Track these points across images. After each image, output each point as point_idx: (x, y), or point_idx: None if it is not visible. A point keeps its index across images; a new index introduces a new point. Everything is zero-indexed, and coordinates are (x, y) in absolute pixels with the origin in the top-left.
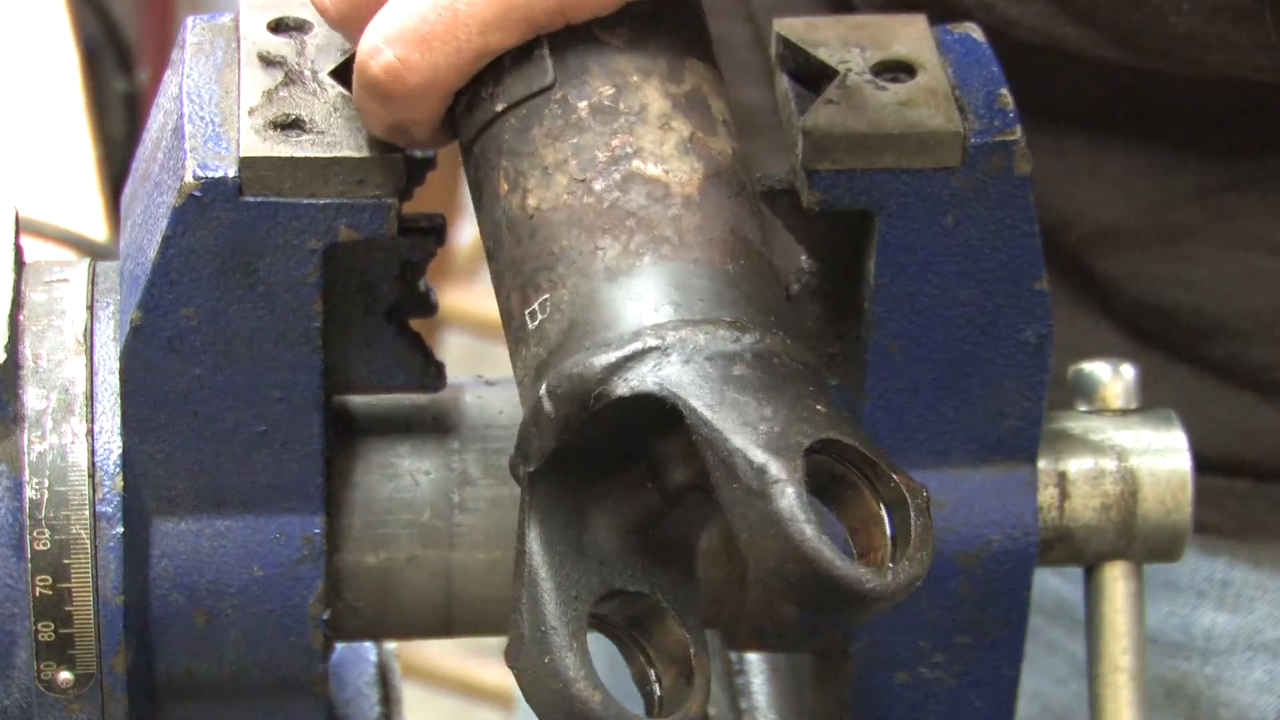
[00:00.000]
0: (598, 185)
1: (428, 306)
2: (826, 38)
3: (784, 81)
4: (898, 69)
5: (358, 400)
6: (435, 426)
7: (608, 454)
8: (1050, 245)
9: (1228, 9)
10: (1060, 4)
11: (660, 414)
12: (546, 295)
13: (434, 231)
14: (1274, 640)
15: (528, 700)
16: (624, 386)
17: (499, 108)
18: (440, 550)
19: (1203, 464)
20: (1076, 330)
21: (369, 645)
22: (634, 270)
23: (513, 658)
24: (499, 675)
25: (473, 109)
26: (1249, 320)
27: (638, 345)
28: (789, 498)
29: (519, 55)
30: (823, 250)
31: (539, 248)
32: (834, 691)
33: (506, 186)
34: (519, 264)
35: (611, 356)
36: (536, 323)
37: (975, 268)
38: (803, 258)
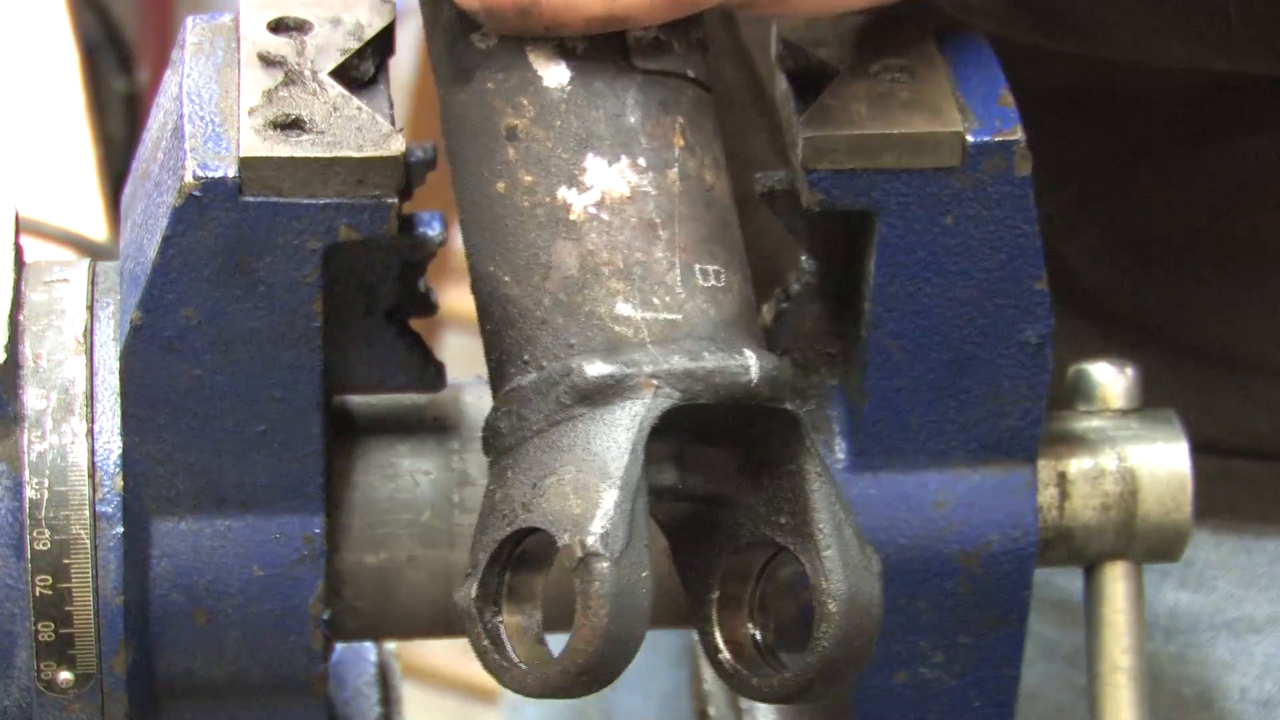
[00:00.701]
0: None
1: (428, 306)
2: (827, 38)
3: (784, 82)
4: (898, 69)
5: (358, 400)
6: (435, 426)
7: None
8: None
9: (1190, 6)
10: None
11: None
12: (720, 267)
13: (434, 232)
14: (1236, 619)
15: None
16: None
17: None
18: (440, 550)
19: None
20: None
21: (369, 645)
22: None
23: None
24: None
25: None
26: (1213, 300)
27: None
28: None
29: None
30: (823, 250)
31: (714, 218)
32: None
33: (688, 151)
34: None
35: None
36: (709, 283)
37: (975, 267)
38: (803, 258)
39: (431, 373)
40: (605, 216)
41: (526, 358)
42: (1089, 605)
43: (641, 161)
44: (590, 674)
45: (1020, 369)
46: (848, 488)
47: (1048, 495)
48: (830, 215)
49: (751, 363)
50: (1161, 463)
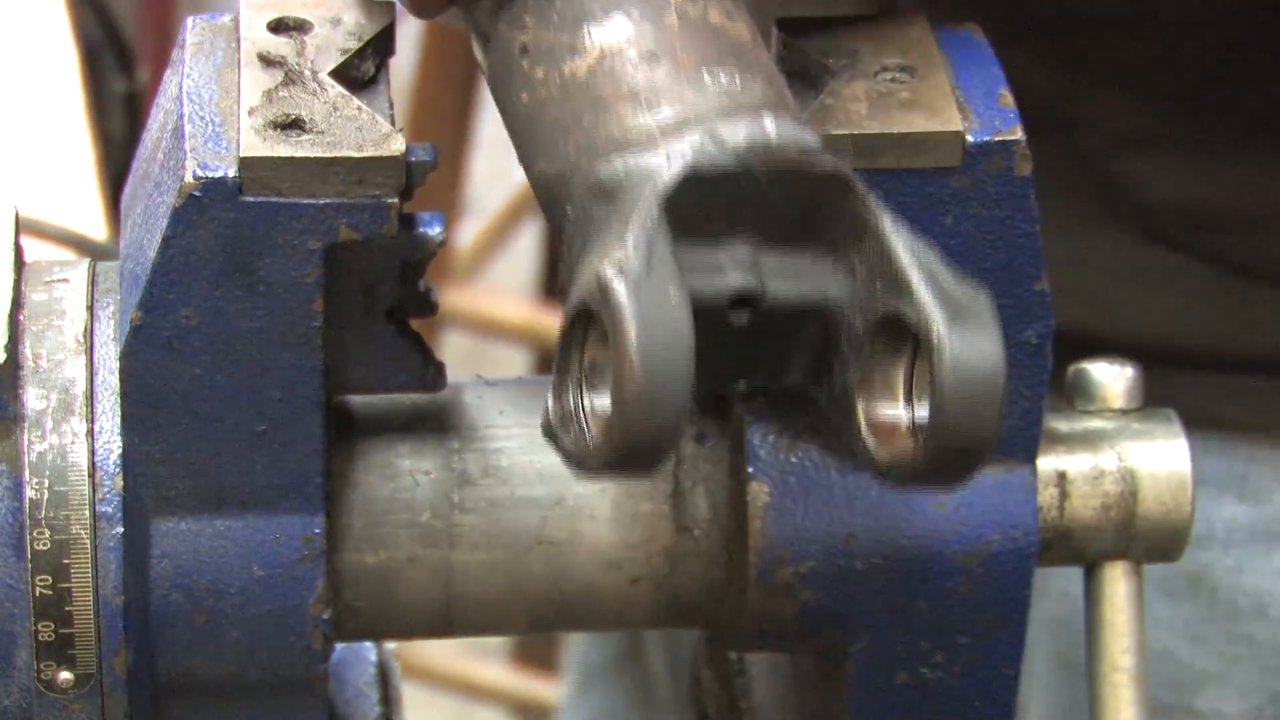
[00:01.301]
0: None
1: (428, 306)
2: (826, 37)
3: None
4: (898, 69)
5: (358, 400)
6: (435, 426)
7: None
8: (1066, 151)
9: None
10: None
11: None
12: (734, 72)
13: (434, 232)
14: None
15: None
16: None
17: None
18: (440, 550)
19: (1222, 361)
20: (1090, 238)
21: (369, 645)
22: None
23: None
24: (499, 675)
25: None
26: (1269, 214)
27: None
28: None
29: None
30: None
31: (723, 46)
32: (834, 692)
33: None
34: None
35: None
36: (721, 84)
37: (975, 268)
38: None
39: (431, 373)
40: (606, 65)
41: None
42: (1089, 605)
43: (635, 13)
44: (639, 422)
45: (1021, 369)
46: (849, 487)
47: (1047, 495)
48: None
49: (769, 121)
50: (1162, 462)
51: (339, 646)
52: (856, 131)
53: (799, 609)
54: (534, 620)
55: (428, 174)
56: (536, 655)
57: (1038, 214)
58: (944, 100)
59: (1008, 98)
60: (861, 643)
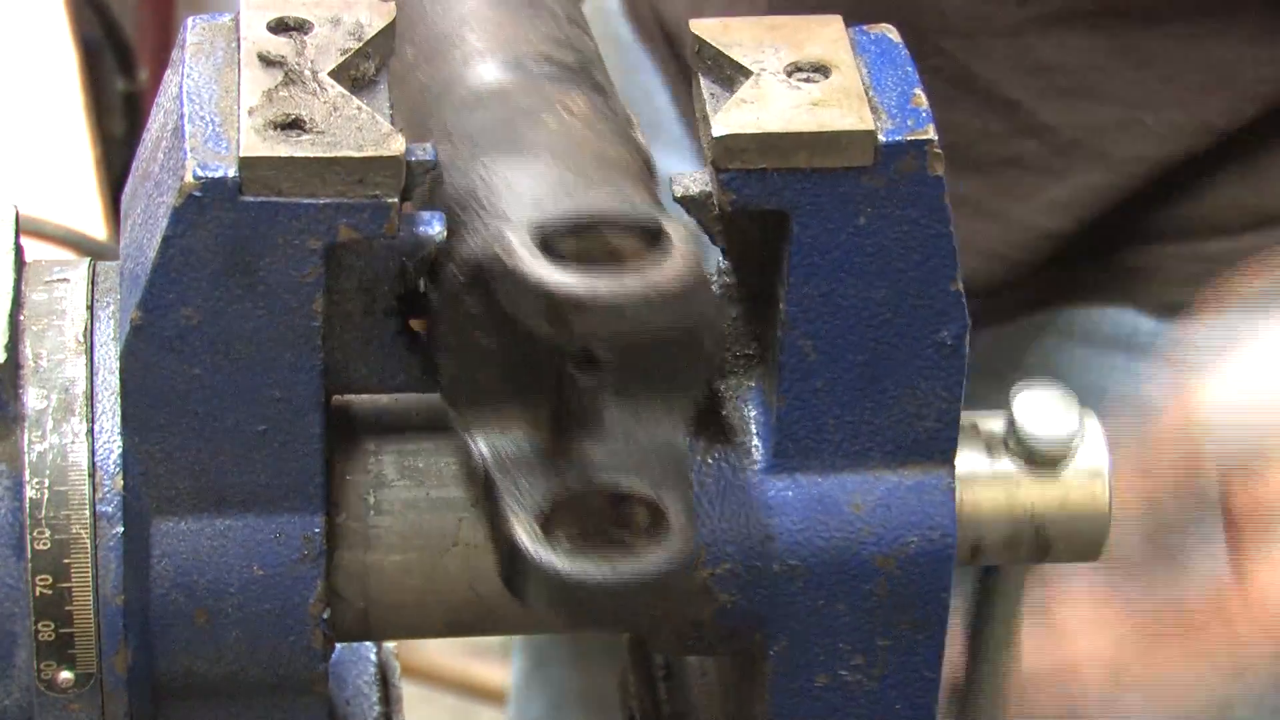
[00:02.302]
0: None
1: (427, 306)
2: (742, 38)
3: (700, 82)
4: (812, 69)
5: (358, 400)
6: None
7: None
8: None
9: None
10: None
11: None
12: None
13: (434, 231)
14: None
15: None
16: None
17: None
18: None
19: None
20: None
21: (369, 645)
22: None
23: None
24: (499, 675)
25: None
26: None
27: None
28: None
29: None
30: (739, 251)
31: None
32: (755, 694)
33: None
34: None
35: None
36: None
37: (889, 268)
38: (719, 259)
39: (431, 373)
40: None
41: None
42: (983, 603)
43: None
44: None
45: (936, 370)
46: (765, 489)
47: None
48: (746, 216)
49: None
50: (1079, 461)
51: (339, 646)
52: (768, 130)
53: (716, 611)
54: (452, 623)
55: (428, 175)
56: None
57: (951, 214)
58: (856, 99)
59: (921, 98)
60: (780, 645)
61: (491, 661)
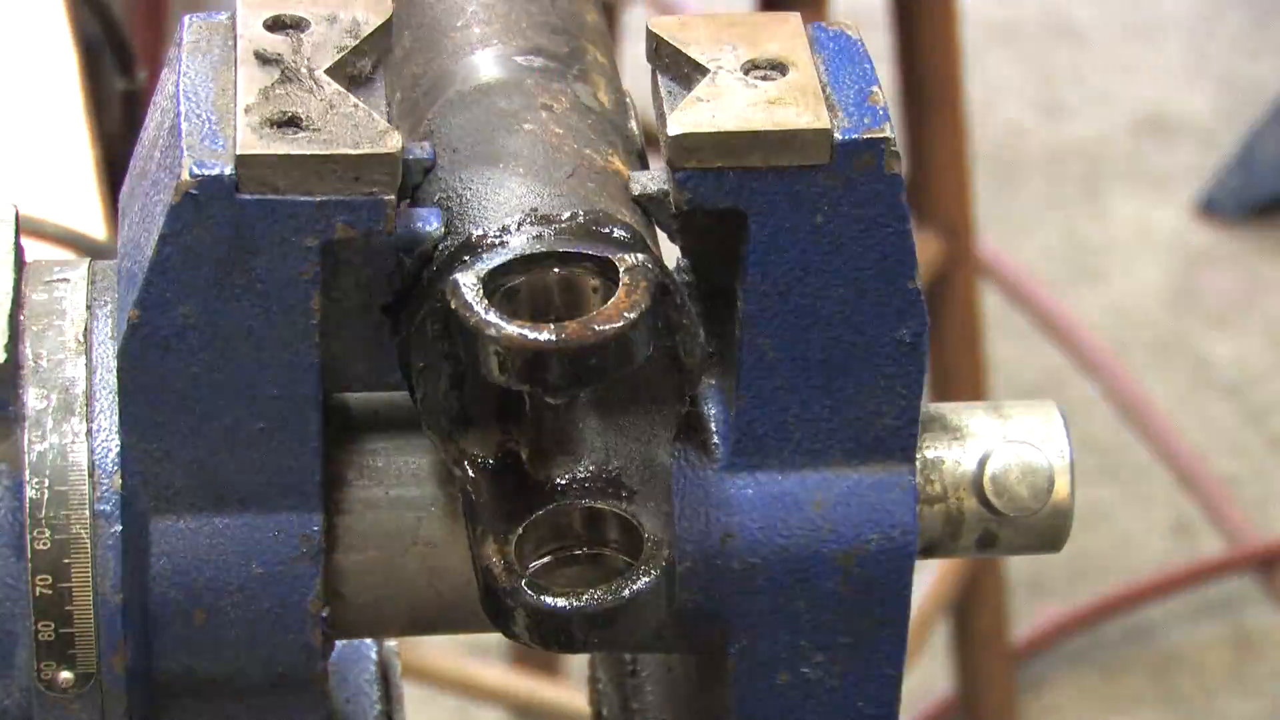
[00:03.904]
0: None
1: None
2: (699, 36)
3: (656, 80)
4: (769, 67)
5: (356, 398)
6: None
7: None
8: None
9: None
10: None
11: None
12: None
13: (431, 228)
14: None
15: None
16: None
17: None
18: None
19: None
20: None
21: (370, 643)
22: None
23: None
24: (499, 675)
25: None
26: None
27: None
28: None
29: None
30: (698, 250)
31: None
32: (718, 691)
33: None
34: None
35: None
36: None
37: (847, 266)
38: (678, 258)
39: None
40: None
41: None
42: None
43: None
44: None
45: (895, 368)
46: (725, 487)
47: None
48: (703, 214)
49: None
50: (1030, 460)
51: (340, 644)
52: (725, 129)
53: (677, 609)
54: (413, 621)
55: (425, 172)
56: (537, 655)
57: (908, 212)
58: (813, 98)
59: (879, 96)
60: (741, 642)
61: (491, 661)
